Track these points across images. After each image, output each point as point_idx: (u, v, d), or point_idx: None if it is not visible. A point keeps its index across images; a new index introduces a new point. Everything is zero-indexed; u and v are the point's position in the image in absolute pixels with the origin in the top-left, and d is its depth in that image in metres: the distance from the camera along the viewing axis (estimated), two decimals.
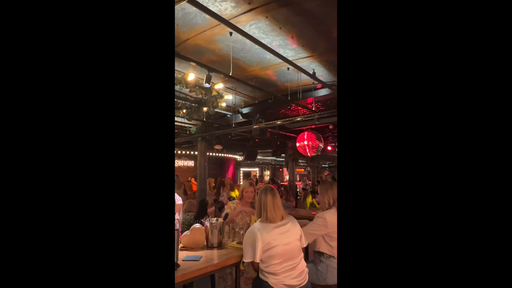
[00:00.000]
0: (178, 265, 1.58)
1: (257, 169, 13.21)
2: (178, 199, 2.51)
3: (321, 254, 1.96)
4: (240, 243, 2.01)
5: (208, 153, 6.78)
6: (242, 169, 12.11)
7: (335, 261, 1.94)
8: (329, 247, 1.92)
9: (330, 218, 1.91)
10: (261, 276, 1.68)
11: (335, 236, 1.90)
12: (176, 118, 4.76)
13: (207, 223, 2.04)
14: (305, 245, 1.77)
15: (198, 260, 1.70)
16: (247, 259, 1.67)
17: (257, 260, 1.63)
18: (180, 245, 1.93)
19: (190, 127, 5.90)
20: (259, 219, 1.75)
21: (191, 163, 8.75)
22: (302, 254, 1.75)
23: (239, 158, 10.24)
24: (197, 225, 2.12)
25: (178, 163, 8.50)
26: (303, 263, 1.72)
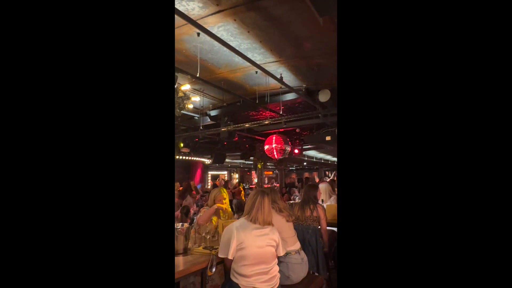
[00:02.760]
0: None
1: (225, 172, 13.09)
2: None
3: None
4: (207, 248, 1.96)
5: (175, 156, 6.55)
6: (210, 173, 11.91)
7: (293, 256, 2.00)
8: (281, 243, 1.95)
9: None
10: (231, 277, 1.66)
11: (281, 230, 2.00)
12: None
13: None
14: (281, 254, 1.79)
15: None
16: (221, 255, 1.68)
17: (230, 257, 1.63)
18: None
19: None
20: (244, 216, 1.75)
21: None
22: (276, 261, 1.76)
23: (207, 161, 10.06)
24: None
25: None
26: (276, 269, 1.73)
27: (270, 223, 1.76)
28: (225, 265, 1.75)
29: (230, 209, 2.63)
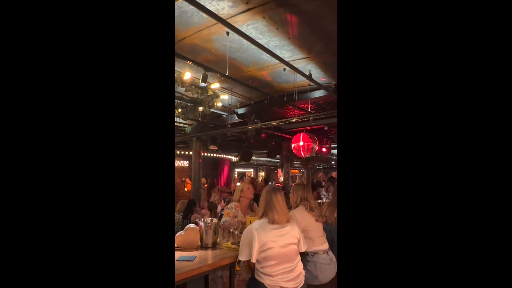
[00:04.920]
0: None
1: (251, 170, 13.19)
2: None
3: (305, 254, 1.96)
4: (235, 243, 2.00)
5: (203, 154, 6.74)
6: (236, 170, 12.07)
7: (321, 256, 1.95)
8: (309, 242, 1.92)
9: (299, 214, 2.00)
10: (256, 277, 1.66)
11: (309, 229, 1.97)
12: None
13: (201, 223, 2.02)
14: (303, 250, 1.74)
15: (192, 261, 1.68)
16: (243, 258, 1.64)
17: (253, 260, 1.60)
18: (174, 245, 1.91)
19: (185, 127, 5.85)
20: (261, 218, 1.70)
21: (185, 163, 8.69)
22: (299, 258, 1.73)
23: (234, 158, 10.20)
24: (192, 225, 2.10)
25: None
26: (300, 266, 1.71)
27: (288, 220, 1.70)
28: (249, 265, 1.73)
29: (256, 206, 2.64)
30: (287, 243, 1.65)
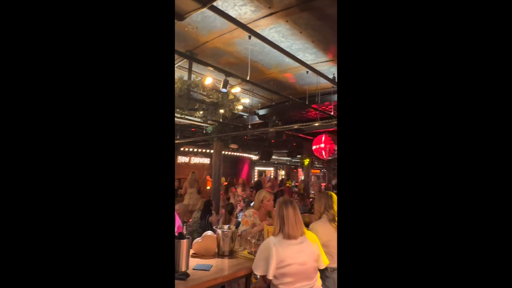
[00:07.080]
0: (188, 275, 1.58)
1: (271, 168, 13.16)
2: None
3: (324, 269, 1.88)
4: (251, 252, 1.99)
5: (223, 152, 6.80)
6: (256, 168, 12.10)
7: None
8: (328, 258, 1.84)
9: (320, 228, 1.92)
10: None
11: (330, 244, 1.87)
12: (192, 118, 4.78)
13: (219, 231, 2.03)
14: (322, 267, 1.68)
15: (208, 270, 1.70)
16: (258, 272, 1.61)
17: (270, 277, 1.56)
18: (191, 252, 1.93)
19: (206, 127, 5.93)
20: (277, 234, 1.64)
21: (206, 160, 8.85)
22: (318, 275, 1.67)
23: (254, 157, 10.22)
24: (209, 232, 2.12)
25: (194, 160, 8.61)
26: (317, 286, 1.65)
27: (303, 233, 1.63)
28: (264, 280, 1.67)
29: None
30: (306, 260, 1.59)
